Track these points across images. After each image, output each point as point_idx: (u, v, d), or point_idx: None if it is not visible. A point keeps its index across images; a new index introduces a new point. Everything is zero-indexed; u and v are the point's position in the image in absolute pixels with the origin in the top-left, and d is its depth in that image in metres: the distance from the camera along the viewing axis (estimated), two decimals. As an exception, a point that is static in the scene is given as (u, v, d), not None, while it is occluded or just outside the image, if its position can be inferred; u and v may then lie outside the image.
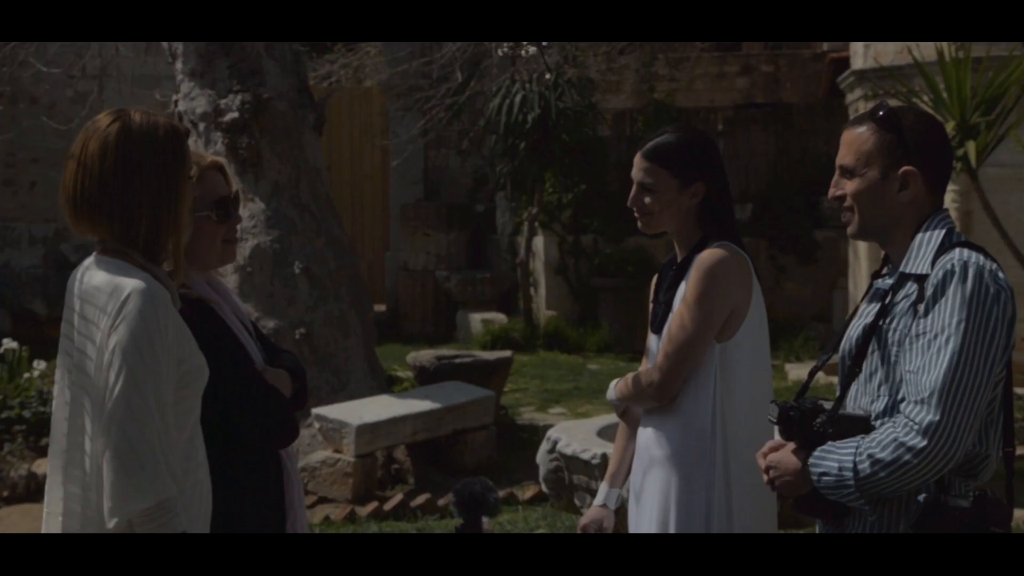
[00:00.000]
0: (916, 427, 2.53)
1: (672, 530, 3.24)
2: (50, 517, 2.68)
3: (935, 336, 2.57)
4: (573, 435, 5.10)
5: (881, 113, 2.78)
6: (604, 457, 4.72)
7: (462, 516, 3.05)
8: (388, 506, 7.23)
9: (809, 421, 2.71)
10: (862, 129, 2.79)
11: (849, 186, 2.80)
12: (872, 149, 2.76)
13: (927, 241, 2.71)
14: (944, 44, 7.37)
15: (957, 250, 2.65)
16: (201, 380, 2.67)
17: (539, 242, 13.59)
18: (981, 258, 2.64)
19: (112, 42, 10.99)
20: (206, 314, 3.01)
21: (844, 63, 12.62)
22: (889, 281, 2.77)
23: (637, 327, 12.50)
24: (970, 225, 9.80)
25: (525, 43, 13.49)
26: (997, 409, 2.67)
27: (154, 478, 2.49)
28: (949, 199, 9.69)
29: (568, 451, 4.95)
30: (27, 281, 14.04)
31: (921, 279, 2.66)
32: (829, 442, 2.65)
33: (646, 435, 3.38)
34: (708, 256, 3.25)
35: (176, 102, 8.57)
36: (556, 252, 13.62)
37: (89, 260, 2.67)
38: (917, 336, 2.61)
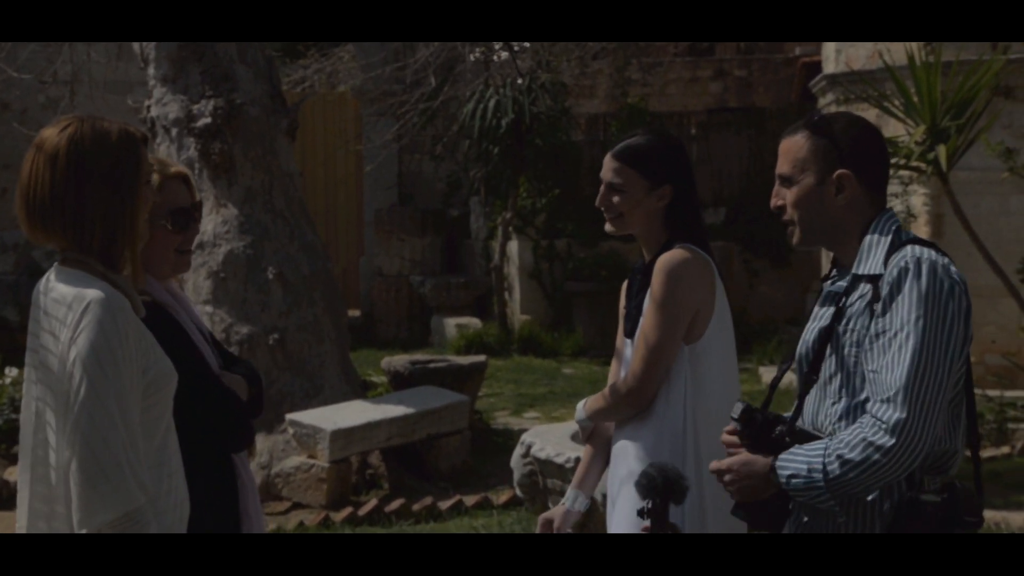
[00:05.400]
0: (884, 426, 2.54)
1: (646, 532, 3.25)
2: (18, 531, 2.66)
3: (895, 334, 2.59)
4: (547, 439, 5.11)
5: (814, 119, 2.83)
6: (578, 461, 4.72)
7: (648, 497, 2.93)
8: (363, 511, 7.21)
9: (770, 427, 2.73)
10: (797, 137, 2.84)
11: (788, 194, 2.84)
12: (807, 155, 2.81)
13: (877, 242, 2.74)
14: (915, 48, 7.41)
15: (909, 247, 2.68)
16: (170, 386, 2.65)
17: (513, 247, 13.59)
18: (933, 254, 2.67)
19: (83, 43, 10.92)
20: (162, 318, 3.01)
21: (816, 67, 12.69)
22: (842, 284, 2.80)
23: (611, 331, 12.44)
24: (941, 228, 9.86)
25: (498, 48, 13.49)
26: (960, 402, 2.69)
27: (119, 489, 2.47)
28: (920, 203, 9.75)
29: (542, 455, 4.95)
30: (-2, 288, 13.93)
31: (875, 279, 2.69)
32: (796, 444, 2.66)
33: (620, 445, 3.39)
34: (667, 258, 3.28)
35: (148, 108, 8.53)
36: (530, 256, 13.63)
37: (51, 271, 2.64)
38: (877, 336, 2.63)
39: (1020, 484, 7.17)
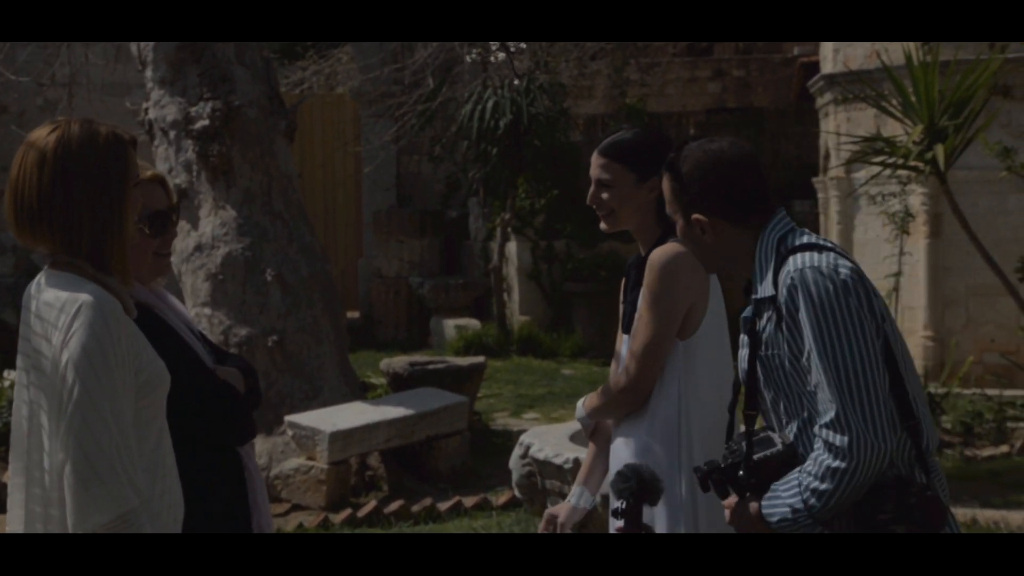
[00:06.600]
0: (839, 450, 2.55)
1: (639, 529, 3.24)
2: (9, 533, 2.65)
3: (809, 353, 2.60)
4: (545, 440, 5.10)
5: (669, 158, 2.83)
6: (576, 462, 4.72)
7: (624, 498, 2.92)
8: (362, 513, 7.21)
9: (733, 475, 2.73)
10: (664, 177, 2.84)
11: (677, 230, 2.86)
12: (671, 197, 2.83)
13: (764, 263, 2.74)
14: (912, 48, 7.42)
15: (789, 260, 2.67)
16: (163, 387, 2.64)
17: (512, 247, 13.59)
18: (815, 257, 2.65)
19: (82, 45, 10.92)
20: (148, 318, 3.01)
21: (814, 67, 12.69)
22: (751, 308, 2.79)
23: (611, 331, 12.46)
24: (939, 228, 9.87)
25: (495, 49, 13.49)
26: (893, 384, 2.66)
27: (113, 491, 2.46)
28: (918, 202, 9.75)
29: (540, 456, 4.95)
30: (-3, 290, 13.92)
31: (772, 300, 2.68)
32: (772, 485, 2.66)
33: (617, 443, 3.39)
34: (659, 253, 3.27)
35: (146, 110, 8.53)
36: (529, 257, 13.63)
37: (41, 275, 2.64)
38: (796, 357, 2.64)
39: (1019, 483, 7.18)
